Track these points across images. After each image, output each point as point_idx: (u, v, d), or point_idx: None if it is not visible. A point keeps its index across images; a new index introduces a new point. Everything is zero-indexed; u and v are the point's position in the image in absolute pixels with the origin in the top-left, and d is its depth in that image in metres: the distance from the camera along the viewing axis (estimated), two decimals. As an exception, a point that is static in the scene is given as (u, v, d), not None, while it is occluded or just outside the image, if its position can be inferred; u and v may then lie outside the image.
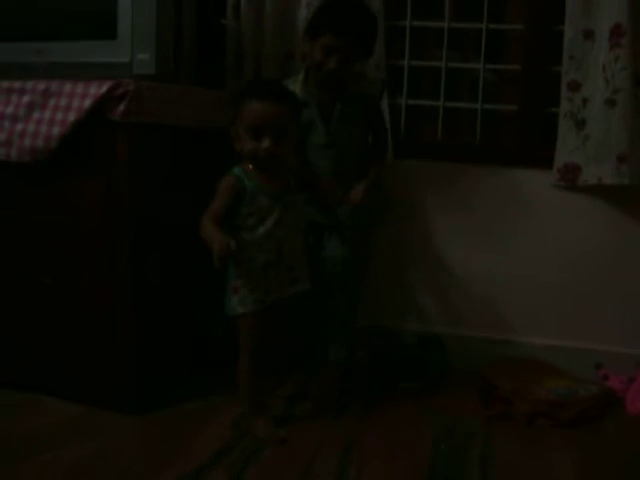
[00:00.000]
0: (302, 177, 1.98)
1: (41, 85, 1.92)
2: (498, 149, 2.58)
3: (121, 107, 1.82)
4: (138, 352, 2.00)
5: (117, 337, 1.97)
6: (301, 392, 2.21)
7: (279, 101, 1.80)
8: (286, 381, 2.28)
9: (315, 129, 2.24)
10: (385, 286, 2.62)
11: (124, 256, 1.93)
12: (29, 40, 2.10)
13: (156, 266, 2.05)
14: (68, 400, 2.03)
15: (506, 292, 2.53)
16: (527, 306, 2.51)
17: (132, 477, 1.66)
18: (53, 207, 2.00)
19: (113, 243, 1.94)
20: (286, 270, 1.89)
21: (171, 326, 2.13)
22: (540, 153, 2.46)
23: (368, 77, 2.40)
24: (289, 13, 2.50)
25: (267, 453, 1.80)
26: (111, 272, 1.95)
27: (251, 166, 1.83)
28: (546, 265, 2.48)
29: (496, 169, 2.50)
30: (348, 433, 1.94)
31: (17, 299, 2.10)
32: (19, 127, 1.92)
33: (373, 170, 2.32)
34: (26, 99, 1.93)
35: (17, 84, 1.95)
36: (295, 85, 2.23)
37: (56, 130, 1.87)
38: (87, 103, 1.84)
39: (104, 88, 1.83)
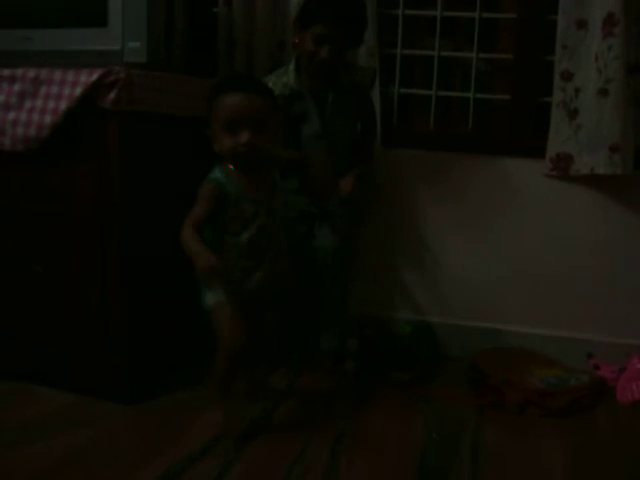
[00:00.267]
0: (295, 162, 1.95)
1: (31, 73, 1.90)
2: (490, 138, 2.57)
3: (112, 95, 1.81)
4: (130, 341, 2.00)
5: (109, 326, 1.97)
6: (289, 387, 2.20)
7: (253, 92, 1.71)
8: (276, 371, 2.28)
9: (309, 120, 2.23)
10: (376, 275, 2.62)
11: (115, 244, 1.93)
12: (17, 27, 2.07)
13: (147, 255, 2.04)
14: (60, 389, 2.03)
15: (498, 281, 2.53)
16: (519, 295, 2.52)
17: (124, 466, 1.66)
18: (44, 195, 1.99)
19: (104, 231, 1.93)
20: (267, 274, 1.79)
21: (163, 315, 2.13)
22: (532, 143, 2.46)
23: (360, 66, 2.40)
24: (281, 1, 2.50)
25: (259, 442, 1.80)
26: (102, 261, 1.94)
27: (232, 167, 1.74)
28: (538, 254, 2.49)
29: (488, 158, 2.50)
30: (339, 423, 1.94)
31: (8, 288, 2.09)
32: (11, 116, 1.91)
33: (363, 160, 2.32)
34: (17, 87, 1.91)
35: (6, 72, 1.93)
36: (287, 75, 2.23)
37: (48, 119, 1.86)
38: (78, 91, 1.83)
39: (95, 76, 1.82)
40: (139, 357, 2.04)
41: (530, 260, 2.50)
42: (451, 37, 2.62)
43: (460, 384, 2.25)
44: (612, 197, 2.40)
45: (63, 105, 1.84)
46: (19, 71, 1.92)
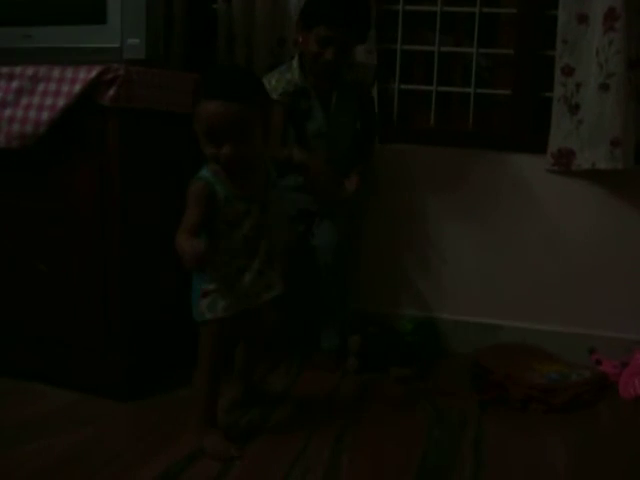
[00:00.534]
0: (295, 164, 1.92)
1: (29, 70, 1.90)
2: (491, 134, 2.57)
3: (111, 92, 1.81)
4: (131, 339, 2.00)
5: (110, 324, 1.97)
6: (290, 386, 2.20)
7: (236, 99, 1.55)
8: (275, 370, 2.28)
9: (313, 116, 2.23)
10: (378, 272, 2.62)
11: (115, 242, 1.92)
12: (17, 25, 2.07)
13: (148, 252, 2.04)
14: (61, 387, 2.03)
15: (500, 277, 2.53)
16: (521, 291, 2.51)
17: (125, 463, 1.66)
18: (44, 193, 1.99)
19: (104, 229, 1.92)
20: (259, 276, 1.72)
21: (164, 313, 2.12)
22: (534, 138, 2.45)
23: (361, 63, 2.39)
24: (281, -2, 2.49)
25: (259, 441, 1.79)
26: (103, 258, 1.94)
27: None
28: (540, 250, 2.48)
29: (489, 154, 2.49)
30: (340, 421, 1.94)
31: (8, 286, 2.09)
32: (7, 113, 1.90)
33: (365, 158, 2.32)
34: (15, 84, 1.91)
35: (5, 69, 1.93)
36: (291, 72, 2.22)
37: (45, 115, 1.85)
38: (76, 88, 1.82)
39: (93, 73, 1.81)
40: (140, 355, 2.04)
41: (532, 255, 2.49)
42: (451, 32, 2.62)
43: (462, 380, 2.25)
44: (614, 192, 2.39)
45: (61, 102, 1.83)
46: (17, 69, 1.92)
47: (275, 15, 2.49)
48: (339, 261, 2.24)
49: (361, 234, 2.57)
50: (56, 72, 1.86)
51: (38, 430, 1.80)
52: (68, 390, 2.01)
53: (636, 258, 2.40)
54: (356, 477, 1.65)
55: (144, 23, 1.97)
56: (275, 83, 2.20)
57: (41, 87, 1.87)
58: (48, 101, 1.85)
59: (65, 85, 1.84)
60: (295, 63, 2.23)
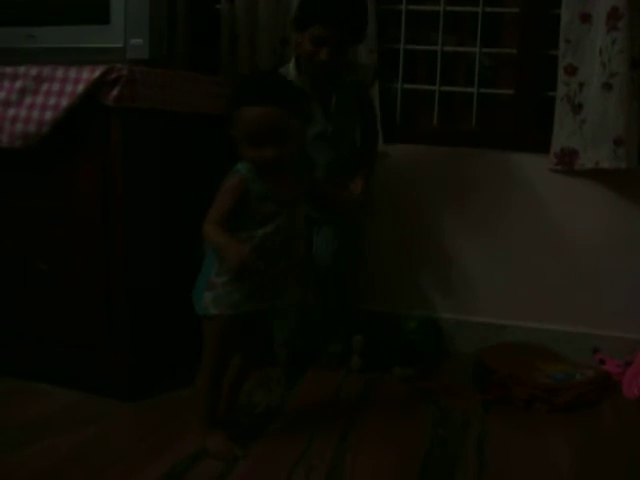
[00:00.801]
0: (314, 191, 1.89)
1: (33, 70, 1.90)
2: (494, 133, 2.56)
3: (114, 92, 1.81)
4: (133, 338, 2.00)
5: (112, 324, 1.97)
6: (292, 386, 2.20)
7: (277, 104, 1.60)
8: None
9: (314, 120, 2.21)
10: (381, 271, 2.62)
11: (118, 242, 1.92)
12: (21, 25, 2.08)
13: (151, 252, 2.04)
14: (63, 387, 2.03)
15: (503, 276, 2.53)
16: (524, 290, 2.51)
17: (129, 463, 1.66)
18: (47, 193, 1.99)
19: (107, 228, 1.92)
20: (274, 280, 1.70)
21: (166, 312, 2.12)
22: (537, 137, 2.45)
23: (360, 63, 2.38)
24: (283, -3, 2.49)
25: (262, 441, 1.79)
26: (105, 258, 1.94)
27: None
28: (543, 249, 2.48)
29: (492, 154, 2.49)
30: (344, 420, 1.94)
31: (10, 286, 2.09)
32: (11, 112, 1.90)
33: (369, 161, 2.30)
34: (18, 84, 1.91)
35: (9, 69, 1.93)
36: (288, 74, 2.20)
37: (48, 115, 1.85)
38: (80, 88, 1.82)
39: (97, 73, 1.81)
40: (142, 354, 2.04)
41: (535, 254, 2.49)
42: (454, 32, 2.61)
43: (466, 380, 2.25)
44: (617, 191, 2.39)
45: (65, 102, 1.84)
46: (21, 68, 1.92)
47: (278, 15, 2.49)
48: (340, 268, 2.25)
49: (364, 234, 2.56)
50: (59, 72, 1.87)
51: (41, 430, 1.80)
52: (71, 390, 2.02)
53: (640, 257, 2.40)
54: (360, 476, 1.66)
55: (147, 23, 1.97)
56: None
57: (44, 87, 1.87)
58: (51, 101, 1.85)
59: (68, 85, 1.84)
60: (292, 65, 2.22)
